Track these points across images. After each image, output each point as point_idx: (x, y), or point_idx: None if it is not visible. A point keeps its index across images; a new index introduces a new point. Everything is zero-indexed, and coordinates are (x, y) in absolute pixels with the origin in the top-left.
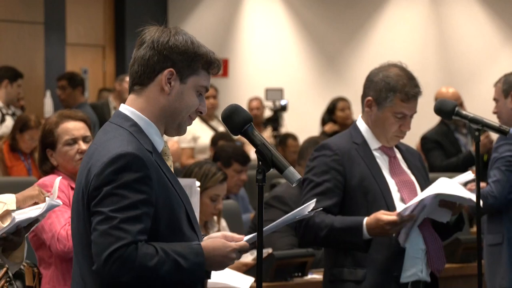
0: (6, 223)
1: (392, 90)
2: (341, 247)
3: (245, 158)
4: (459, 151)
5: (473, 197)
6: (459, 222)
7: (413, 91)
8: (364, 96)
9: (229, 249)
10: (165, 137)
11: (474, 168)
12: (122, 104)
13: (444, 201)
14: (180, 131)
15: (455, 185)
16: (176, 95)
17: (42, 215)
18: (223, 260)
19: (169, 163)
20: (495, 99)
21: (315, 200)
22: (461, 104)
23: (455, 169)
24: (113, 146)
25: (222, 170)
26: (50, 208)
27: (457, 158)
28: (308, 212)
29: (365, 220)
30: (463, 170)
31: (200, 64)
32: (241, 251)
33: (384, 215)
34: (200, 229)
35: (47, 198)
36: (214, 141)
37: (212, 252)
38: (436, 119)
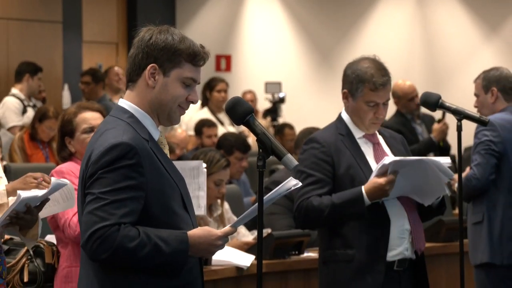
0: (1, 214)
1: (361, 81)
2: (345, 221)
3: (246, 147)
4: (417, 139)
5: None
6: (441, 206)
7: (381, 80)
8: (342, 91)
9: (214, 236)
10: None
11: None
12: (120, 99)
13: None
14: (172, 120)
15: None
16: (161, 87)
17: (49, 193)
18: (209, 247)
19: (166, 150)
20: (475, 95)
21: (291, 178)
22: (416, 96)
23: (418, 154)
24: (110, 136)
25: (226, 157)
26: (56, 186)
27: (419, 145)
28: (292, 186)
29: (363, 188)
30: (424, 155)
31: (182, 58)
32: (227, 236)
33: (380, 178)
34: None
35: (52, 178)
36: (197, 128)
37: (197, 240)
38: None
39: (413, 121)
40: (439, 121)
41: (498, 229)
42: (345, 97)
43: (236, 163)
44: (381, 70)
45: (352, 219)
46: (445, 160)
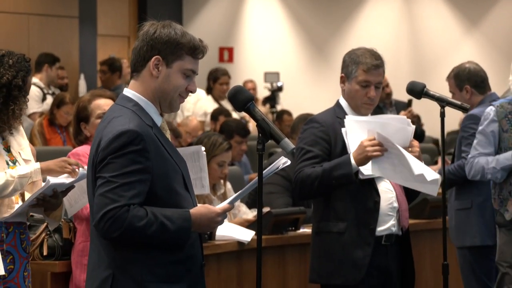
0: (32, 192)
1: (355, 63)
2: (336, 185)
3: (245, 131)
4: None
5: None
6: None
7: (374, 62)
8: (340, 75)
9: (214, 213)
10: (186, 113)
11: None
12: (125, 88)
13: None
14: (172, 108)
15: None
16: (164, 78)
17: (76, 181)
18: (209, 223)
19: (167, 135)
20: (451, 92)
21: (282, 157)
22: (386, 86)
23: None
24: (117, 124)
25: (228, 141)
26: (82, 176)
27: None
28: (281, 164)
29: (351, 153)
30: None
31: (183, 51)
32: (225, 212)
33: (364, 141)
34: (210, 190)
35: (80, 169)
36: (214, 115)
37: (199, 217)
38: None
39: (385, 108)
40: (405, 109)
41: (489, 214)
42: (342, 81)
43: (236, 146)
44: (375, 54)
45: (342, 183)
46: (431, 177)
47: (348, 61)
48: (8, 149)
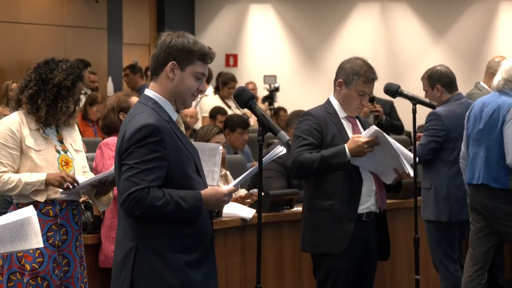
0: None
1: (357, 75)
2: (330, 170)
3: (245, 124)
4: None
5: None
6: (398, 186)
7: (372, 76)
8: (336, 79)
9: (221, 194)
10: (199, 112)
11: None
12: (146, 89)
13: (396, 169)
14: (186, 105)
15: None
16: (178, 80)
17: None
18: (217, 202)
19: (182, 128)
20: (425, 90)
21: (278, 146)
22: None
23: None
24: (139, 119)
25: (217, 126)
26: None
27: None
28: (279, 153)
29: (346, 145)
30: None
31: (195, 57)
32: (231, 193)
33: (361, 138)
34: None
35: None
36: (212, 114)
37: (208, 197)
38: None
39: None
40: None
41: (444, 194)
42: (339, 85)
43: (239, 137)
44: (372, 68)
45: (337, 169)
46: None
47: (349, 70)
48: (61, 141)
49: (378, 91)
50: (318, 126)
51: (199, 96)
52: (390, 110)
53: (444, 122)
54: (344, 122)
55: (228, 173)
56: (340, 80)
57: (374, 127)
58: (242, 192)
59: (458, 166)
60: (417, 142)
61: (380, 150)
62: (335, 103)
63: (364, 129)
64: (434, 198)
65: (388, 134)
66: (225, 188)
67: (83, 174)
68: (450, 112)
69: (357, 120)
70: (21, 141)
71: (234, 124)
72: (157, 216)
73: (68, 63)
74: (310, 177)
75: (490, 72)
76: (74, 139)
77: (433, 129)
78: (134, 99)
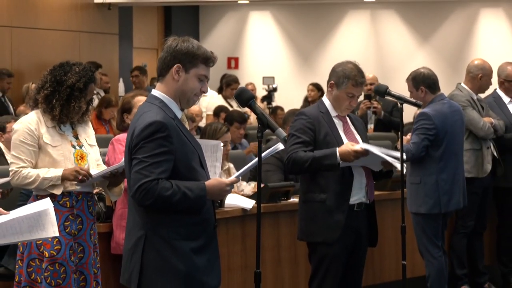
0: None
1: (347, 78)
2: (321, 170)
3: (242, 119)
4: None
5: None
6: (389, 171)
7: (361, 80)
8: (328, 81)
9: (224, 185)
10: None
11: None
12: (153, 89)
13: (385, 162)
14: (189, 104)
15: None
16: (183, 81)
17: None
18: (220, 192)
19: (186, 125)
20: (410, 91)
21: (280, 143)
22: (376, 81)
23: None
24: (147, 117)
25: (225, 125)
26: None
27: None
28: (278, 149)
29: (337, 148)
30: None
31: (199, 61)
32: (233, 184)
33: (352, 146)
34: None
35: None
36: (216, 112)
37: (212, 188)
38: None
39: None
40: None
41: (433, 189)
42: (331, 86)
43: (235, 131)
44: (361, 72)
45: (326, 170)
46: (395, 153)
47: (340, 73)
48: (76, 137)
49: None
50: (311, 125)
51: (207, 98)
52: (392, 109)
53: (433, 121)
54: (336, 121)
55: (231, 165)
56: (332, 82)
57: (367, 149)
58: (246, 185)
59: (444, 162)
60: (410, 141)
61: (369, 157)
62: (327, 103)
63: (354, 126)
64: (424, 192)
65: (386, 129)
66: (227, 179)
67: (96, 167)
68: (438, 112)
69: (347, 118)
70: (38, 138)
71: (232, 119)
72: (166, 205)
73: (81, 66)
74: (301, 174)
75: (470, 76)
76: (88, 134)
77: (424, 128)
78: (140, 99)
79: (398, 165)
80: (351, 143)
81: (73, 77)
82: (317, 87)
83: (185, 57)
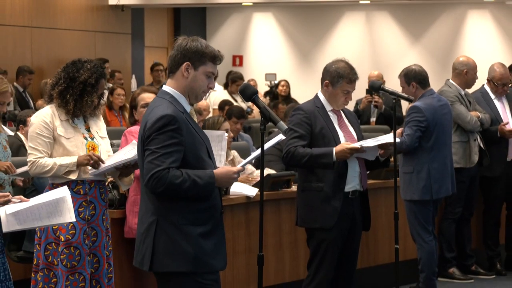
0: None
1: (341, 77)
2: (316, 167)
3: (240, 115)
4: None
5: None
6: (385, 161)
7: (354, 77)
8: (322, 80)
9: (231, 172)
10: (210, 107)
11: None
12: (163, 85)
13: (381, 145)
14: (198, 100)
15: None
16: (192, 78)
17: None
18: (228, 180)
19: (195, 118)
20: (402, 86)
21: (281, 134)
22: (382, 78)
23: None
24: (158, 110)
25: (222, 116)
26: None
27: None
28: (279, 140)
29: (334, 148)
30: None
31: (207, 59)
32: (239, 172)
33: (348, 144)
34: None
35: (132, 150)
36: (221, 106)
37: (220, 175)
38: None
39: None
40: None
41: (425, 178)
42: (326, 85)
43: (233, 125)
44: (353, 70)
45: (322, 167)
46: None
47: (334, 73)
48: (88, 129)
49: (361, 88)
50: (308, 119)
51: (213, 93)
52: (395, 104)
53: (424, 114)
54: (331, 114)
55: (236, 154)
56: (327, 81)
57: (365, 145)
58: (253, 170)
59: (435, 152)
60: (404, 133)
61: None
62: (322, 98)
63: (348, 120)
64: (417, 181)
65: (388, 122)
66: (234, 168)
67: (107, 158)
68: (428, 105)
69: (341, 112)
70: (53, 130)
71: (231, 114)
72: (177, 192)
73: (92, 63)
74: (298, 167)
75: (456, 72)
76: (99, 127)
77: (416, 120)
78: (144, 96)
79: (390, 139)
80: (346, 142)
81: (85, 73)
82: None
83: (194, 55)
